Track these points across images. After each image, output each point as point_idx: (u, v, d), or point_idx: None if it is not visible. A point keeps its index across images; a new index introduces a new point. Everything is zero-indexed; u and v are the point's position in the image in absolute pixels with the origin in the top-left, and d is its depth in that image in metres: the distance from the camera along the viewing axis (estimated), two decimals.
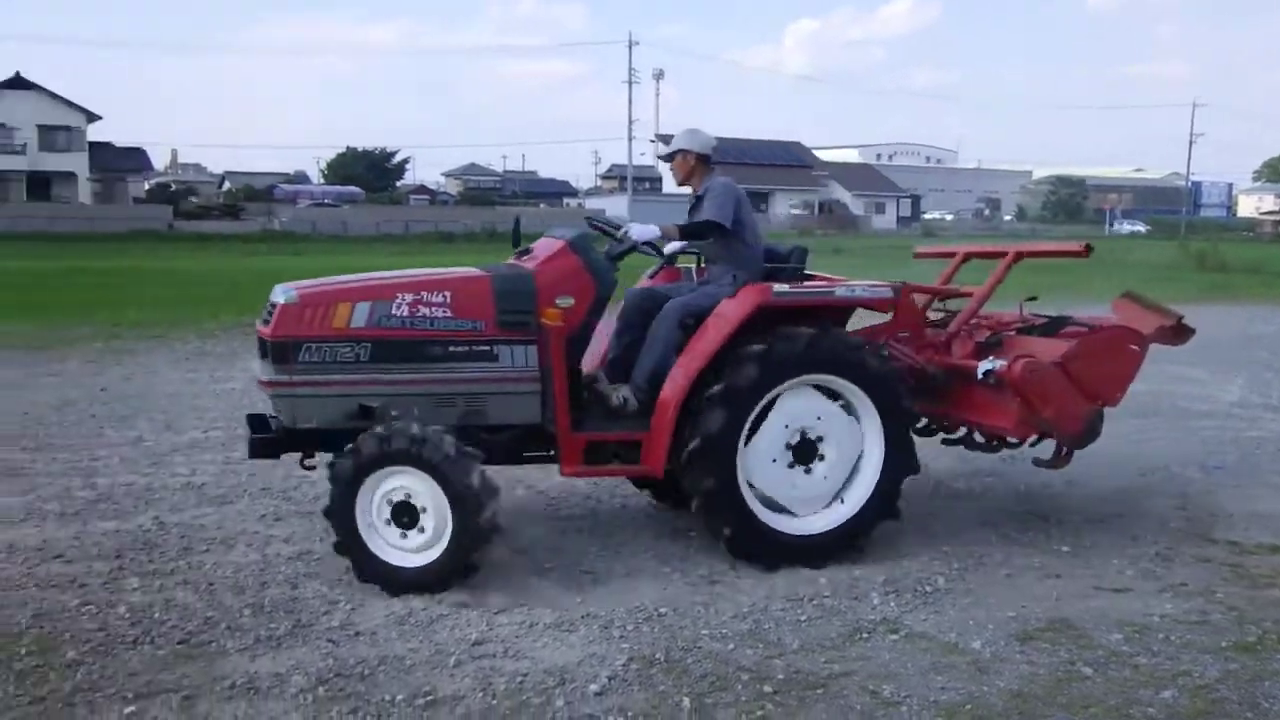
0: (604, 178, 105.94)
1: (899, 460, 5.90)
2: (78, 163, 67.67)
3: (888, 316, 6.64)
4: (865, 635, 4.87)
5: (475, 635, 4.74)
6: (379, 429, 5.16)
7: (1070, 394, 6.05)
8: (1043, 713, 4.16)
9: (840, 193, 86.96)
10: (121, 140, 74.29)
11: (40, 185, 65.51)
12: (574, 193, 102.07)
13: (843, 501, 5.88)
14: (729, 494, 5.59)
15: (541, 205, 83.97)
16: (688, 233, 6.09)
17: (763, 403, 5.64)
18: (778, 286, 5.70)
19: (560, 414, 5.54)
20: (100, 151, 70.23)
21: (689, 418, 5.57)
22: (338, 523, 5.19)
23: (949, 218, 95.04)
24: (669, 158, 6.39)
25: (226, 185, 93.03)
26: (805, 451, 5.79)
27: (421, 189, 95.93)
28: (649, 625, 4.91)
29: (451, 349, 5.58)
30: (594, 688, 4.28)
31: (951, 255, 7.85)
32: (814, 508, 5.86)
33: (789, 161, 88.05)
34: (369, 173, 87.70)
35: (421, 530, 5.19)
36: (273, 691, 4.19)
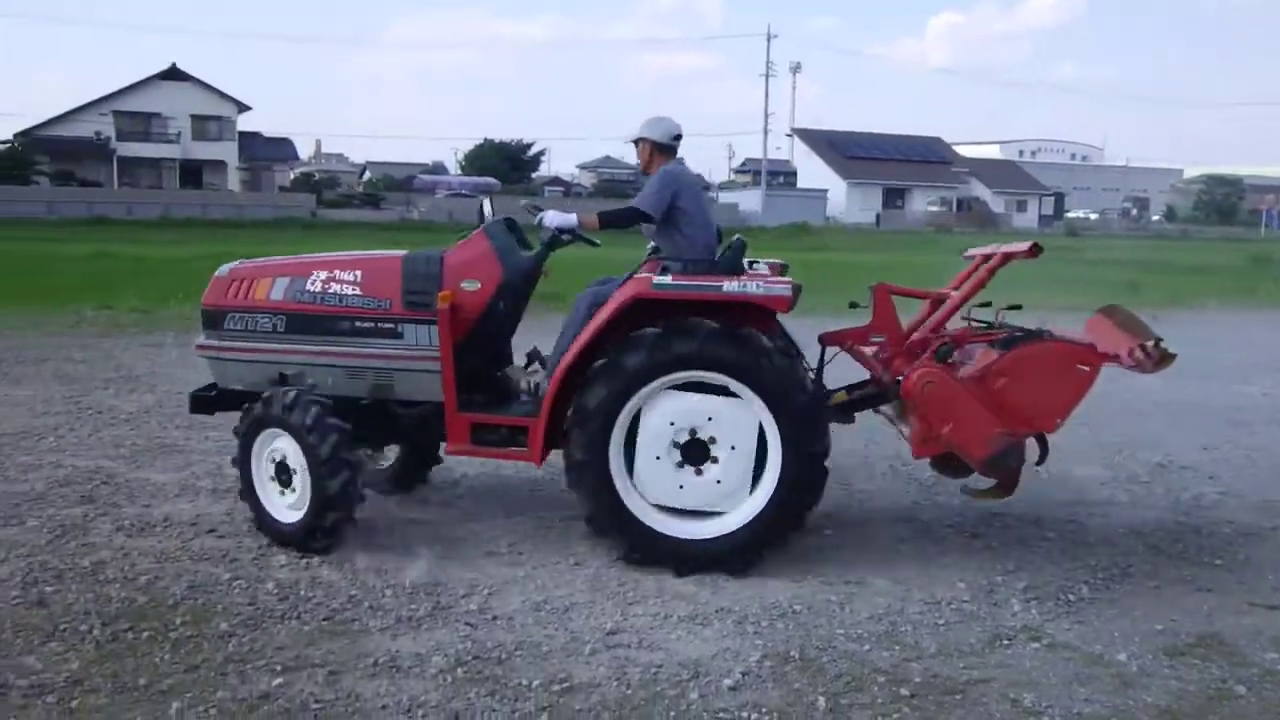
0: (738, 171, 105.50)
1: (796, 468, 5.43)
2: (228, 152, 70.35)
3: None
4: (1005, 642, 4.76)
5: (610, 625, 4.78)
6: (267, 393, 5.61)
7: (975, 414, 5.36)
8: None
9: (980, 190, 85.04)
10: (269, 130, 76.88)
11: (192, 173, 68.39)
12: (707, 187, 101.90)
13: (737, 508, 5.53)
14: (596, 478, 5.47)
15: None
16: (608, 221, 6.01)
17: (638, 395, 5.44)
18: (658, 279, 5.42)
19: (446, 392, 5.69)
20: (249, 141, 72.82)
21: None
22: (241, 475, 5.74)
23: (1093, 217, 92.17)
24: (635, 144, 6.29)
25: (367, 175, 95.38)
26: (696, 452, 5.51)
27: (556, 180, 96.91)
28: (783, 622, 4.88)
29: (359, 325, 5.85)
30: (728, 682, 4.27)
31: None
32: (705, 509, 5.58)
33: (928, 158, 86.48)
34: (505, 164, 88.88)
35: (294, 490, 5.59)
36: (413, 670, 4.29)
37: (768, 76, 71.73)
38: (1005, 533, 6.28)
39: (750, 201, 68.83)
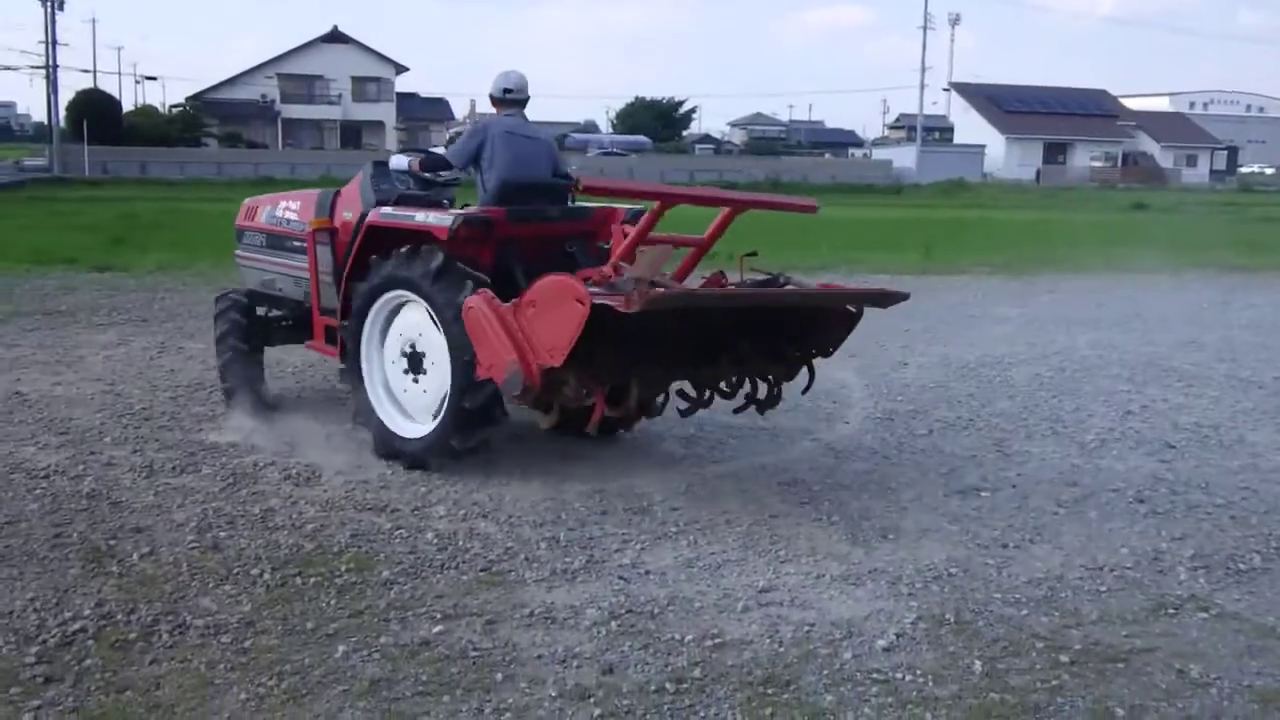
0: (892, 127, 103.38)
1: (458, 379, 5.92)
2: (386, 112, 72.21)
3: None
4: (1171, 611, 4.61)
5: (763, 583, 4.79)
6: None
7: (497, 341, 5.32)
8: None
9: (1148, 144, 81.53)
10: (426, 91, 78.49)
11: (352, 134, 70.47)
12: (860, 143, 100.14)
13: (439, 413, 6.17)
14: (355, 377, 6.57)
15: (827, 155, 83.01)
16: (424, 165, 6.71)
17: (373, 310, 6.41)
18: (384, 210, 6.44)
19: (312, 298, 7.06)
20: (406, 101, 74.60)
21: None
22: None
23: (1269, 171, 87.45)
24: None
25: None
26: (416, 363, 6.31)
27: (707, 138, 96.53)
28: (938, 585, 4.82)
29: (295, 244, 7.22)
30: (881, 643, 4.24)
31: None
32: (423, 415, 6.33)
33: (1091, 111, 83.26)
34: (656, 122, 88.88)
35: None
36: (568, 622, 4.38)
37: (925, 29, 69.61)
38: (1172, 499, 6.07)
39: (905, 158, 67.34)
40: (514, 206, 6.35)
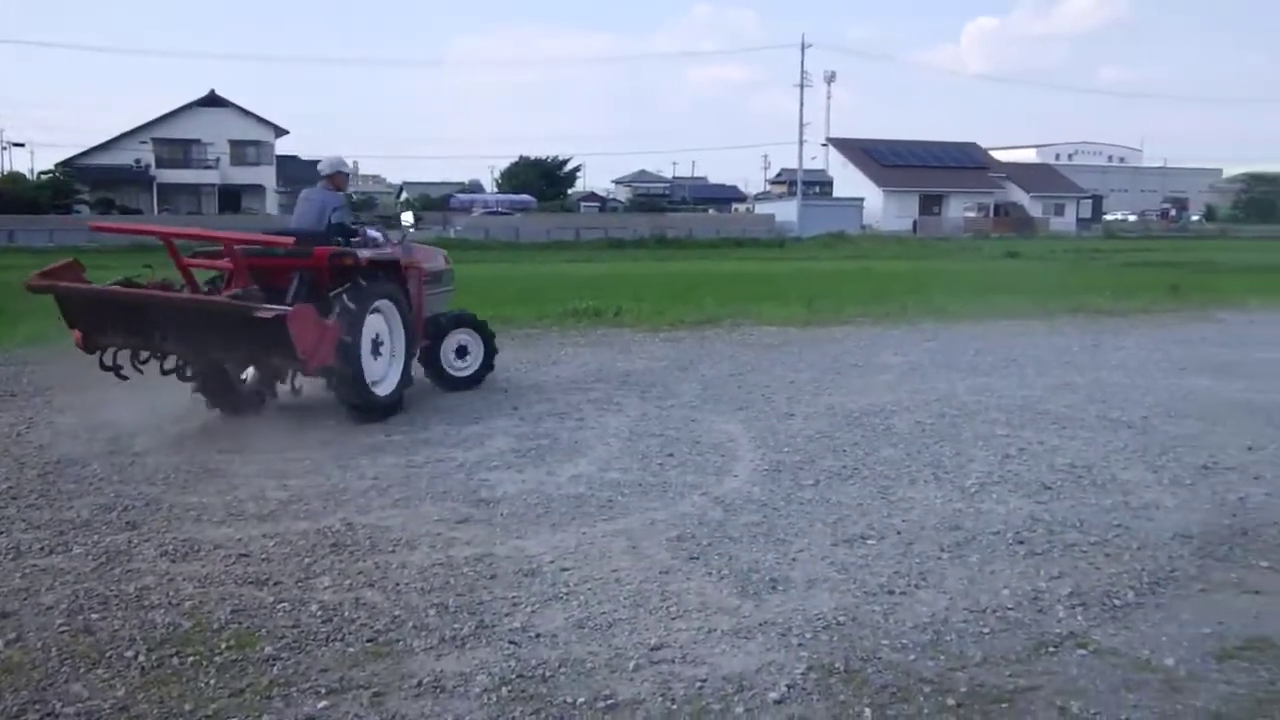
0: (773, 182, 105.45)
1: (409, 350, 9.95)
2: (266, 176, 71.29)
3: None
4: (1051, 650, 4.73)
5: (654, 640, 4.78)
6: None
7: None
8: None
9: (1018, 194, 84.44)
10: (307, 154, 77.72)
11: (231, 197, 69.37)
12: (742, 198, 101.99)
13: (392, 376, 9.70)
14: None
15: (711, 210, 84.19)
16: None
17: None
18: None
19: None
20: (287, 164, 73.67)
21: None
22: None
23: (1132, 218, 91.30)
24: None
25: (404, 195, 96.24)
26: (378, 347, 9.49)
27: (592, 196, 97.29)
28: (827, 634, 4.86)
29: None
30: (773, 695, 4.26)
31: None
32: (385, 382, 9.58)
33: (964, 163, 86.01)
34: (541, 180, 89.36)
35: None
36: (458, 690, 4.31)
37: (802, 86, 71.42)
38: (1050, 539, 6.23)
39: (787, 212, 68.64)
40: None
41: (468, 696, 4.26)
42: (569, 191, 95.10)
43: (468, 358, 11.02)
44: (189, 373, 9.34)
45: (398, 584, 5.46)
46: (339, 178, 10.48)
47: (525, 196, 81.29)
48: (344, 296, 9.03)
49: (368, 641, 4.78)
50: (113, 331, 9.05)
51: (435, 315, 10.93)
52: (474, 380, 11.03)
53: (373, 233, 10.36)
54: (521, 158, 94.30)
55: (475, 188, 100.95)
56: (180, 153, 70.53)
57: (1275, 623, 5.02)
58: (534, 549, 6.01)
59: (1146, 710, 4.17)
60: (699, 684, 4.36)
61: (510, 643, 4.76)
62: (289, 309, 8.33)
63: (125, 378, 9.12)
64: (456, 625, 4.95)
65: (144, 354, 9.19)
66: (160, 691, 4.29)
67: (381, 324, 9.61)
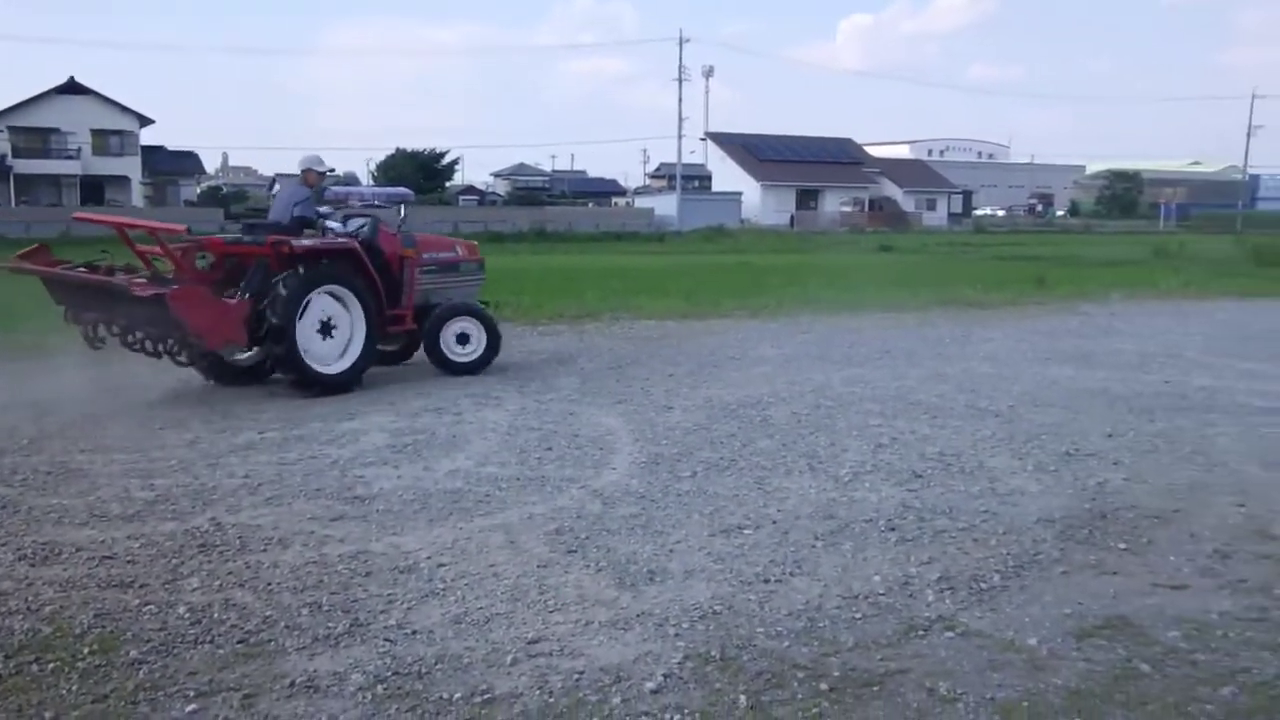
0: (653, 176, 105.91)
1: (374, 340, 10.78)
2: (130, 167, 68.85)
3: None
4: (921, 633, 4.84)
5: (531, 634, 4.77)
6: None
7: None
8: (1101, 710, 4.12)
9: (891, 189, 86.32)
10: (174, 144, 75.45)
11: (94, 189, 66.70)
12: (622, 191, 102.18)
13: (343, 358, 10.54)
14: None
15: (590, 204, 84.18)
16: None
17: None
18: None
19: None
20: (152, 155, 71.40)
21: None
22: None
23: (1000, 213, 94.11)
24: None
25: (277, 188, 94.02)
26: (328, 328, 10.37)
27: (470, 189, 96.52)
28: (704, 623, 4.91)
29: None
30: (650, 685, 4.29)
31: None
32: (331, 361, 10.43)
33: (840, 159, 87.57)
34: (418, 173, 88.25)
35: None
36: (332, 690, 4.24)
37: (680, 81, 71.79)
38: (920, 525, 6.38)
39: (667, 206, 69.01)
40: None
41: (342, 695, 4.19)
42: (447, 185, 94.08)
43: (469, 344, 11.55)
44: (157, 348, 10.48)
45: (269, 584, 5.34)
46: (310, 174, 11.50)
47: (402, 189, 79.52)
48: (280, 282, 10.04)
49: (238, 643, 4.67)
50: (83, 309, 10.17)
51: (435, 303, 11.62)
52: (477, 366, 11.53)
53: (332, 224, 11.19)
54: (398, 150, 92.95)
55: (351, 180, 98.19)
56: (39, 142, 67.63)
57: (1132, 602, 5.22)
58: (410, 545, 5.94)
59: (1010, 689, 4.30)
60: (576, 676, 4.37)
61: (386, 640, 4.70)
62: (167, 290, 9.34)
63: (98, 348, 10.44)
64: (330, 624, 4.86)
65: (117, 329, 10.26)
66: (19, 699, 4.13)
67: (335, 307, 10.47)
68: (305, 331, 10.20)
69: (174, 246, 10.08)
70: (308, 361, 10.21)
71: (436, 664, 4.47)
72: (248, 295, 10.02)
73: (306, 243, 10.47)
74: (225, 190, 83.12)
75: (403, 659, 4.51)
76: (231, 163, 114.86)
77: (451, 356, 11.48)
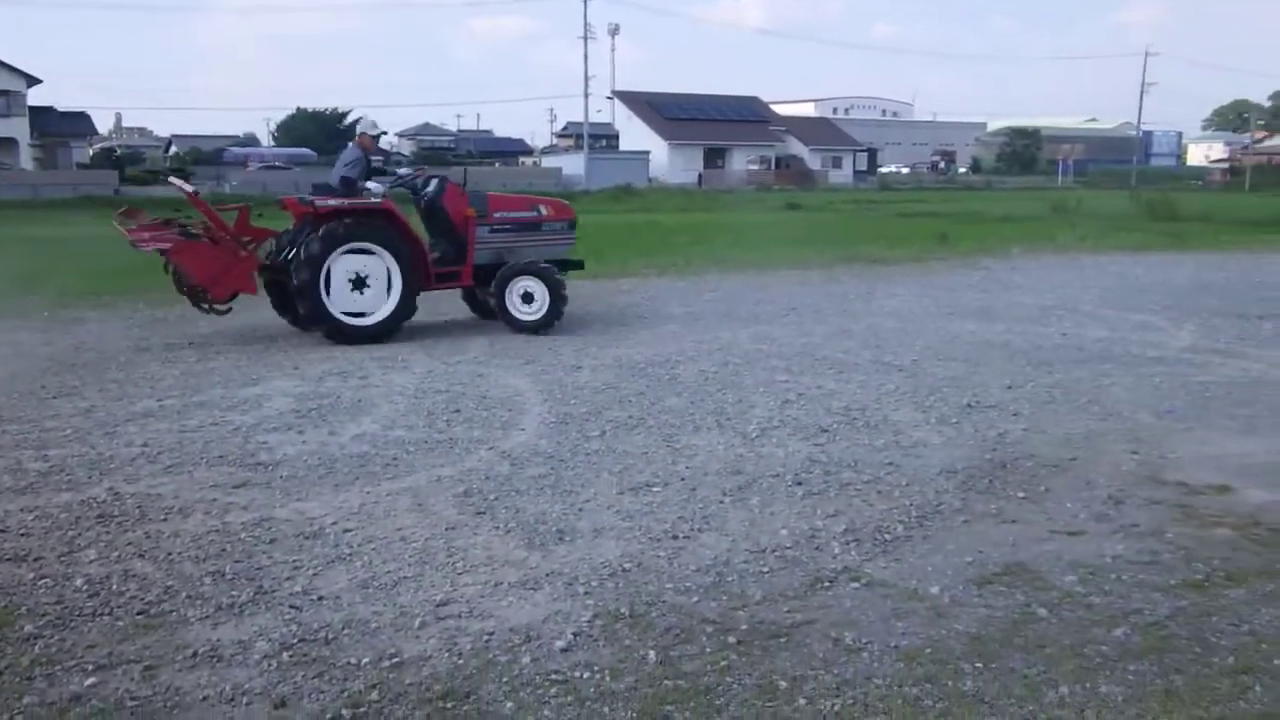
0: (560, 136, 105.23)
1: (410, 294, 11.30)
2: (18, 128, 66.26)
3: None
4: (827, 584, 4.92)
5: (440, 596, 4.74)
6: None
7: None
8: (1000, 654, 4.23)
9: (797, 147, 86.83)
10: (64, 105, 72.87)
11: None
12: (529, 151, 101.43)
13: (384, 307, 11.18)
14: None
15: (497, 164, 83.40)
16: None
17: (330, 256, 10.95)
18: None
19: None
20: (42, 116, 68.88)
21: None
22: None
23: (905, 171, 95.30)
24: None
25: (174, 149, 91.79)
26: (361, 283, 11.01)
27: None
28: (613, 581, 4.93)
29: None
30: (560, 644, 4.29)
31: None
32: (371, 311, 11.12)
33: (746, 117, 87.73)
34: (320, 133, 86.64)
35: None
36: (236, 658, 4.17)
37: (586, 39, 71.31)
38: (826, 479, 6.47)
39: (574, 165, 68.66)
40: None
41: (246, 664, 4.13)
42: (350, 145, 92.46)
43: (534, 303, 11.68)
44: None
45: (170, 553, 5.23)
46: (364, 138, 12.31)
47: (304, 150, 78.70)
48: (304, 242, 10.97)
49: (138, 614, 4.57)
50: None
51: (500, 263, 11.82)
52: (541, 325, 11.65)
53: (372, 185, 11.64)
54: (299, 109, 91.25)
55: (250, 141, 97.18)
56: None
57: (1030, 549, 5.36)
58: (316, 511, 5.86)
59: (914, 636, 4.39)
60: (486, 637, 4.36)
61: (291, 607, 4.64)
62: (170, 244, 10.98)
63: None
64: (234, 592, 4.78)
65: None
66: None
67: (368, 263, 11.07)
68: (337, 286, 10.92)
69: (231, 206, 11.78)
70: (338, 314, 10.96)
71: (344, 629, 4.43)
72: (293, 252, 11.04)
73: (331, 203, 11.18)
74: (120, 152, 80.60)
75: (309, 625, 4.46)
76: (126, 123, 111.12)
77: (516, 315, 11.65)
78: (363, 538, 5.46)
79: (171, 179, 12.10)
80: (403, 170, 12.88)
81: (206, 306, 11.53)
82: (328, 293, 10.93)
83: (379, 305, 11.18)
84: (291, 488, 6.27)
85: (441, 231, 12.06)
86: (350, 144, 12.43)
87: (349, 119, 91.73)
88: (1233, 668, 4.14)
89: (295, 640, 4.32)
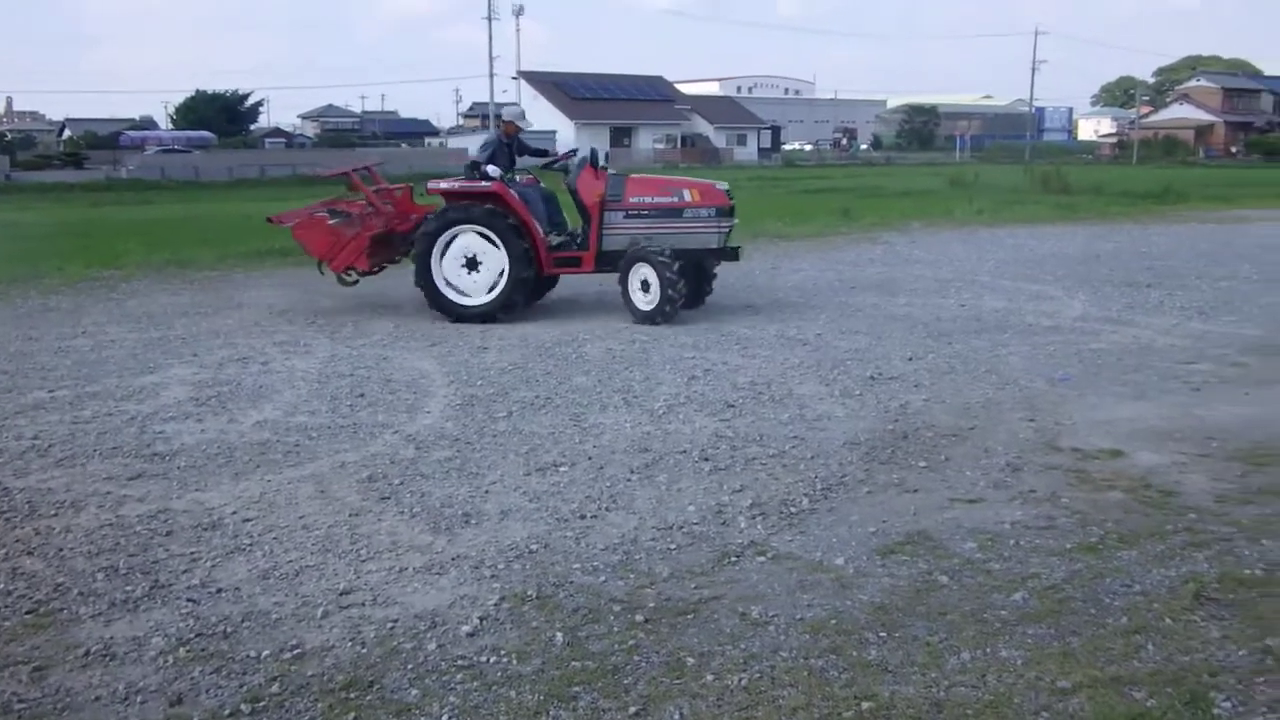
0: (466, 116, 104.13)
1: (517, 281, 11.10)
2: None
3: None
4: (734, 559, 4.94)
5: (343, 585, 4.67)
6: None
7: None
8: (903, 623, 4.29)
9: (703, 126, 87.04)
10: None
11: None
12: (435, 132, 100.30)
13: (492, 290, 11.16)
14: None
15: (403, 145, 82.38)
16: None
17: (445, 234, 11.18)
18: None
19: None
20: None
21: None
22: None
23: (808, 148, 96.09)
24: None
25: (67, 133, 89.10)
26: (474, 264, 11.09)
27: (277, 132, 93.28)
28: (520, 563, 4.90)
29: None
30: (466, 629, 4.26)
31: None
32: (475, 294, 11.18)
33: (652, 96, 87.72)
34: (220, 116, 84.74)
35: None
36: (130, 656, 4.06)
37: (490, 19, 70.45)
38: (732, 454, 6.50)
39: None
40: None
41: (141, 661, 4.02)
42: (252, 128, 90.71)
43: (649, 293, 11.03)
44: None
45: (61, 549, 5.07)
46: (508, 124, 12.20)
47: (204, 133, 76.90)
48: (422, 222, 11.45)
49: (27, 613, 4.42)
50: None
51: (625, 249, 11.24)
52: (653, 316, 10.95)
53: (491, 169, 11.40)
54: (198, 92, 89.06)
55: (148, 124, 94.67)
56: None
57: (931, 517, 5.45)
58: (214, 501, 5.73)
59: (819, 608, 4.43)
60: (390, 624, 4.30)
61: (189, 601, 4.53)
62: (294, 222, 12.07)
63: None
64: (129, 588, 4.65)
65: None
66: None
67: (480, 244, 11.11)
68: (450, 266, 11.16)
69: (384, 186, 12.68)
70: (449, 294, 11.16)
71: (243, 621, 4.34)
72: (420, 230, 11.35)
73: (444, 185, 11.56)
74: (10, 137, 77.91)
75: (207, 619, 4.35)
76: (17, 107, 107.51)
77: (635, 303, 11.16)
78: (263, 527, 5.35)
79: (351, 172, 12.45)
80: (561, 151, 12.63)
81: (343, 279, 12.13)
82: (440, 267, 11.17)
83: (484, 288, 11.16)
84: (189, 478, 6.12)
85: (578, 214, 11.70)
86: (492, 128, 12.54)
87: (250, 100, 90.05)
88: (1126, 628, 4.25)
89: (192, 635, 4.22)
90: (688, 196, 11.39)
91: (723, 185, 11.70)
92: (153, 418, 7.40)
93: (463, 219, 11.16)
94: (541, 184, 12.34)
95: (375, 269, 12.41)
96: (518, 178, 11.98)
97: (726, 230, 11.43)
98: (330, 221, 11.89)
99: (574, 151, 12.33)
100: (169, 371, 8.86)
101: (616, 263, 11.27)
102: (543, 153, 12.59)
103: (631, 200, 11.35)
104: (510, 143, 12.05)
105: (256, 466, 6.33)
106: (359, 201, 12.24)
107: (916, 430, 6.99)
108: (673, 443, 6.75)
